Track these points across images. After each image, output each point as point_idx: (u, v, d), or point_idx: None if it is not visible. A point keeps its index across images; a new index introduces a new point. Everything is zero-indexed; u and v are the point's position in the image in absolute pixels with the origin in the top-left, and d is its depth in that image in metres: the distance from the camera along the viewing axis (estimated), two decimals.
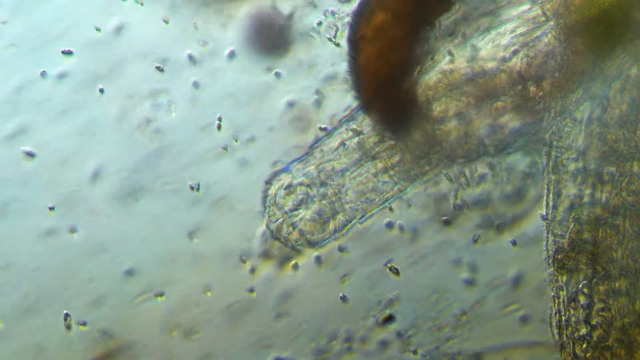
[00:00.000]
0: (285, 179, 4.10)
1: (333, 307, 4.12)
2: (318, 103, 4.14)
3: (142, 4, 4.15)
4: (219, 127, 4.11)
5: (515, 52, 3.98)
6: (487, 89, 3.98)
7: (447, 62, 4.01)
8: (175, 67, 4.17)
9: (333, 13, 4.13)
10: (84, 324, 4.08)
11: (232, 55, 4.16)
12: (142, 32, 4.18)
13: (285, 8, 4.15)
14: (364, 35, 4.00)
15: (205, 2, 4.16)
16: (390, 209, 4.09)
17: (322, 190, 4.07)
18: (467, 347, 4.09)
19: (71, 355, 4.10)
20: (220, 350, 4.12)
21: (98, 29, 4.15)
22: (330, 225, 4.06)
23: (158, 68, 4.13)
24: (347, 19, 4.08)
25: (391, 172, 4.05)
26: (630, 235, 3.98)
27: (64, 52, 4.14)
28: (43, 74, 4.15)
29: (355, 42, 4.03)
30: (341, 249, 4.10)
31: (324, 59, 4.15)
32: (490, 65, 3.99)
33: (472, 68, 3.99)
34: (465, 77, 3.99)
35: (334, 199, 4.07)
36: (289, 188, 4.10)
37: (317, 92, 4.14)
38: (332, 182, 4.08)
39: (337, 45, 4.10)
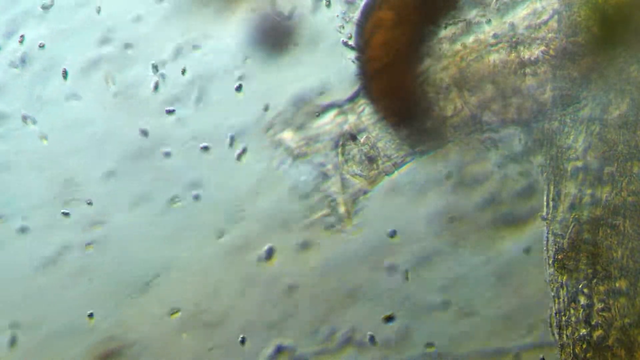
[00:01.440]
0: None
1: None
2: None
3: None
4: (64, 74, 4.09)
5: (550, 17, 3.96)
6: (521, 56, 3.98)
7: (483, 29, 4.00)
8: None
9: (343, 15, 4.12)
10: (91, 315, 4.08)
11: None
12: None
13: (285, 7, 4.16)
14: (369, 38, 4.01)
15: (205, 1, 4.17)
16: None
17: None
18: (468, 348, 4.10)
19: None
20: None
21: None
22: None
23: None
24: (354, 21, 4.07)
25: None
26: (630, 235, 3.98)
27: None
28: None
29: (361, 46, 4.04)
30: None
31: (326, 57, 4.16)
32: (525, 32, 3.97)
33: (508, 34, 3.98)
34: (497, 41, 3.98)
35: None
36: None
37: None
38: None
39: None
